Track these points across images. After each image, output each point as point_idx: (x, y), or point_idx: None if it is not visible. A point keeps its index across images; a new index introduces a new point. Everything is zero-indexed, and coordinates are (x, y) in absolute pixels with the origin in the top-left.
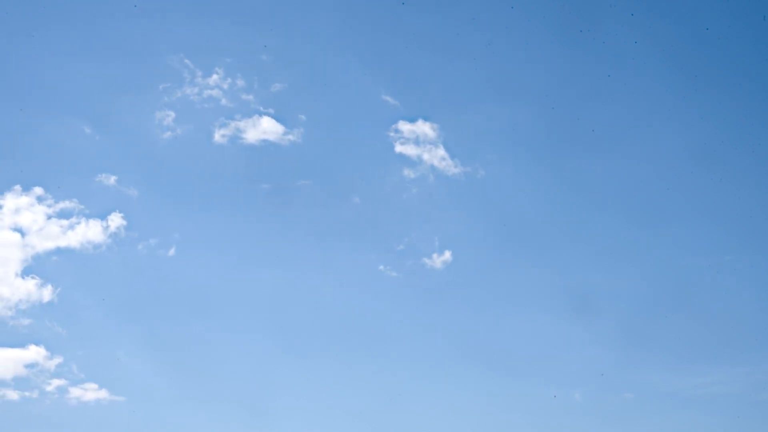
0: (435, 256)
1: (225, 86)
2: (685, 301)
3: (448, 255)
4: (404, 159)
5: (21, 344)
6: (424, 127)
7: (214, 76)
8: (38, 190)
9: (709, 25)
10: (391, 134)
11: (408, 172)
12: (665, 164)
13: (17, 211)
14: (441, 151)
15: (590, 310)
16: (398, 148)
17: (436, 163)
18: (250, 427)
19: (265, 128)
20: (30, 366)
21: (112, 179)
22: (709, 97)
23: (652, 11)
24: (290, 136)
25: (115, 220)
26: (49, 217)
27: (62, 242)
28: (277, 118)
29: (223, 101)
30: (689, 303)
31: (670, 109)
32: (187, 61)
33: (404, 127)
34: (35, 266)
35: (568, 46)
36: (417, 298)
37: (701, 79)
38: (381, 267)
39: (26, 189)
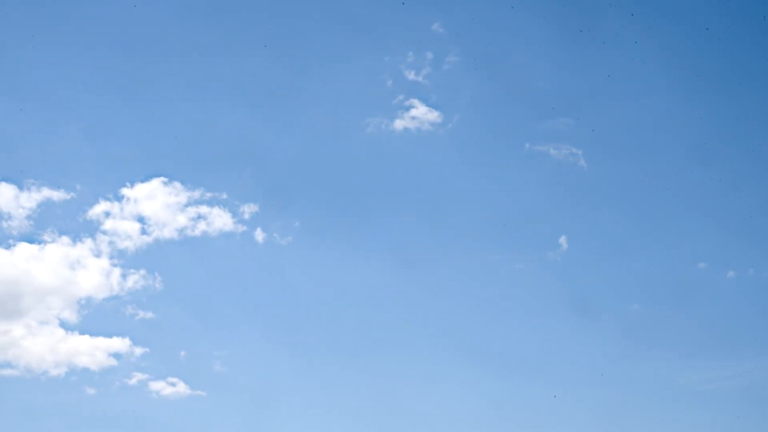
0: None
1: (390, 68)
2: (686, 299)
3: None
4: (541, 154)
5: (113, 334)
6: (567, 122)
7: (385, 58)
8: (165, 180)
9: (709, 25)
10: (533, 128)
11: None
12: (665, 164)
13: (140, 201)
14: (572, 148)
15: (591, 309)
16: (534, 145)
17: (563, 158)
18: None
19: (418, 116)
20: (115, 355)
21: (249, 169)
22: (709, 97)
23: (652, 11)
24: (449, 125)
25: (246, 210)
26: (170, 207)
27: (184, 232)
28: (434, 105)
29: (389, 83)
30: (690, 301)
31: (670, 109)
32: (350, 41)
33: (544, 122)
34: (149, 256)
35: (568, 46)
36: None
37: (701, 79)
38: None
39: (149, 179)
